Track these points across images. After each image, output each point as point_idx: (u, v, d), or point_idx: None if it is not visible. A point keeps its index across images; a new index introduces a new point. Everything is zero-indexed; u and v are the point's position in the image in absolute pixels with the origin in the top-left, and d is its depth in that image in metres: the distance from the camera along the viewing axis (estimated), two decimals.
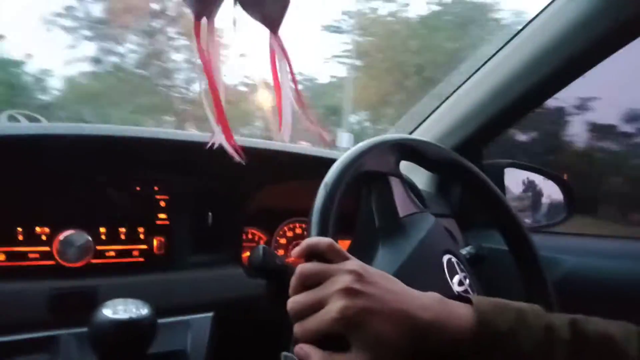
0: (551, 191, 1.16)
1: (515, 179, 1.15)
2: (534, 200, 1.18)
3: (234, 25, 0.39)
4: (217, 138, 0.42)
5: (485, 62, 1.05)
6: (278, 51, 0.40)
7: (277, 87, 0.41)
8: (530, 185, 1.18)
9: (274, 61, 0.41)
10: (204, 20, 0.38)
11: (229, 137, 0.42)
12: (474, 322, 0.42)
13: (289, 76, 0.41)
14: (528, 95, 0.97)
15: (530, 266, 0.69)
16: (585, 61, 0.89)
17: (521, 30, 0.96)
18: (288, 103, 0.41)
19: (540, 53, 0.91)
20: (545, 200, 1.17)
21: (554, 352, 0.42)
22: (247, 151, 0.89)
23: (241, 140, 0.93)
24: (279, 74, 0.41)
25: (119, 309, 0.59)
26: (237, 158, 0.43)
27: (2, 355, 0.65)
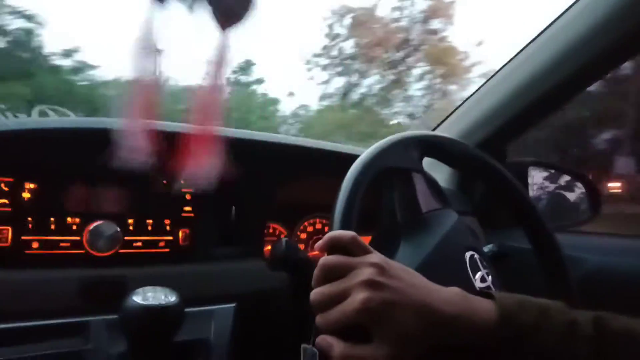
0: (575, 190, 1.14)
1: (538, 178, 1.14)
2: (558, 199, 1.16)
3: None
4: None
5: (510, 60, 1.04)
6: (220, 52, 0.40)
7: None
8: (554, 185, 1.16)
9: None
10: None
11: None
12: (496, 317, 0.42)
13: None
14: (553, 93, 0.96)
15: (553, 265, 0.69)
16: (612, 59, 0.88)
17: (547, 27, 0.95)
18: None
19: (566, 51, 0.90)
20: (569, 199, 1.15)
21: (578, 348, 0.42)
22: (270, 146, 0.92)
23: (264, 135, 0.95)
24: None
25: (149, 296, 0.61)
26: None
27: (36, 338, 0.67)
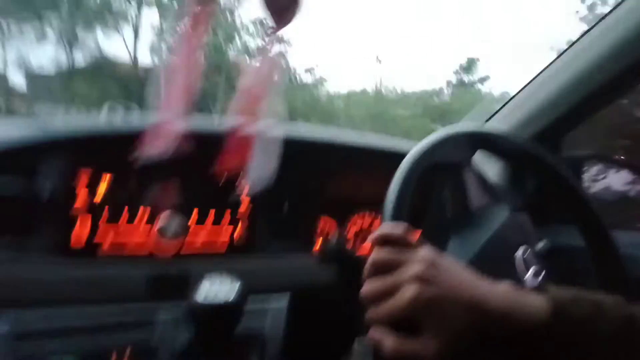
0: (635, 185, 1.09)
1: (596, 173, 1.09)
2: (616, 194, 1.11)
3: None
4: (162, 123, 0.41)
5: (566, 50, 1.00)
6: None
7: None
8: (612, 179, 1.12)
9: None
10: None
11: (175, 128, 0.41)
12: (549, 311, 0.42)
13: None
14: (610, 84, 0.92)
15: (609, 264, 0.67)
16: None
17: (603, 17, 0.91)
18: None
19: (624, 41, 0.86)
20: (628, 195, 1.10)
21: (635, 342, 0.41)
22: (322, 143, 0.93)
23: (316, 132, 0.96)
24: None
25: (213, 291, 0.64)
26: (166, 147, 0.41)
27: (106, 331, 0.72)
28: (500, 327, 0.42)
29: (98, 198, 0.77)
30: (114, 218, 0.78)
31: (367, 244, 0.49)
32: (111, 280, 0.75)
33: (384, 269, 0.45)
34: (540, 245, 0.77)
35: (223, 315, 0.64)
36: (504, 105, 1.16)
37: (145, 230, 0.80)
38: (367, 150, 0.99)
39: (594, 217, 0.68)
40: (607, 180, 1.11)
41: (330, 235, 0.70)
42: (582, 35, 0.96)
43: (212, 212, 0.85)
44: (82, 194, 0.76)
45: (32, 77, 12.83)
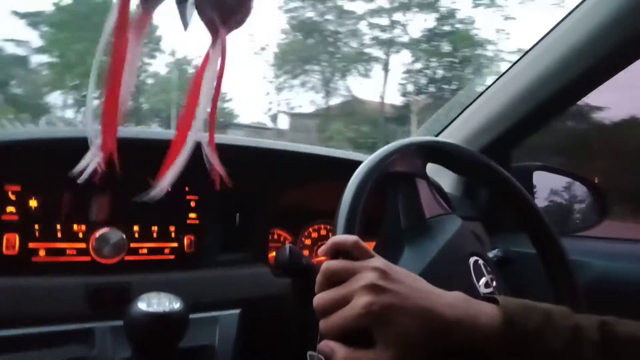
0: (581, 195, 1.13)
1: (544, 182, 1.13)
2: (564, 204, 1.16)
3: (185, 20, 0.37)
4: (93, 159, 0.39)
5: (514, 64, 1.04)
6: (216, 53, 0.37)
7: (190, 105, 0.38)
8: (559, 189, 1.16)
9: (203, 68, 0.38)
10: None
11: (110, 142, 0.38)
12: (500, 322, 0.42)
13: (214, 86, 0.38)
14: (557, 97, 0.96)
15: (559, 270, 0.68)
16: (614, 64, 0.88)
17: (550, 31, 0.95)
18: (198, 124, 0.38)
19: (569, 55, 0.90)
20: (575, 204, 1.15)
21: (583, 353, 0.41)
22: (274, 153, 0.92)
23: (266, 142, 0.95)
24: (203, 85, 0.38)
25: (154, 302, 0.61)
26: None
27: (41, 345, 0.68)
28: (452, 336, 0.41)
29: (28, 215, 0.73)
30: (46, 236, 0.74)
31: (320, 254, 0.48)
32: (46, 292, 0.71)
33: (335, 279, 0.43)
34: (493, 253, 0.78)
35: (165, 326, 0.61)
36: (454, 119, 1.19)
37: (82, 248, 0.76)
38: (321, 159, 0.98)
39: (544, 225, 0.69)
40: (554, 188, 1.15)
41: (283, 246, 0.68)
42: (530, 49, 1.00)
43: (156, 225, 0.82)
44: (10, 209, 0.72)
45: (294, 116, 15.96)
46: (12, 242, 0.71)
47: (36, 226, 0.73)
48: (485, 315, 0.42)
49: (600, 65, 0.89)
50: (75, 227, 0.76)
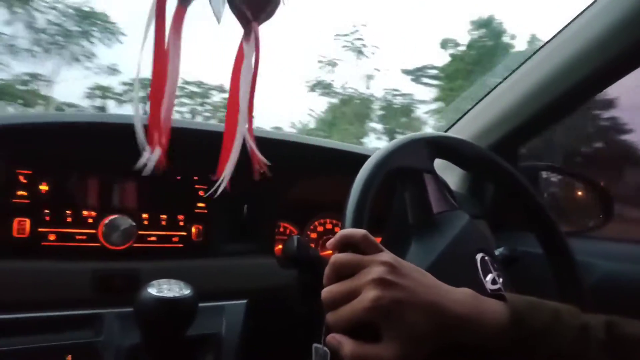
0: (587, 196, 1.13)
1: (551, 183, 1.13)
2: (569, 204, 1.15)
3: (218, 13, 0.36)
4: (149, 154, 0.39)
5: (524, 62, 1.04)
6: (250, 46, 0.38)
7: (233, 99, 0.39)
8: (566, 190, 1.16)
9: (239, 62, 0.38)
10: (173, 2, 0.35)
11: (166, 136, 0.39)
12: (508, 319, 0.42)
13: (249, 82, 0.39)
14: (567, 96, 0.95)
15: (565, 270, 0.68)
16: (627, 62, 0.87)
17: (561, 30, 0.95)
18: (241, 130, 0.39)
19: (581, 53, 0.89)
20: (580, 204, 1.14)
21: (589, 352, 0.42)
22: (283, 145, 0.92)
23: (275, 133, 0.95)
24: (241, 82, 0.38)
25: (164, 288, 0.62)
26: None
27: (49, 329, 0.69)
28: (459, 332, 0.42)
29: (38, 199, 0.73)
30: (56, 221, 0.75)
31: (329, 247, 0.48)
32: (55, 277, 0.72)
33: (343, 272, 0.44)
34: (499, 251, 0.78)
35: (175, 312, 0.62)
36: (462, 116, 1.19)
37: (91, 234, 0.77)
38: (331, 152, 0.99)
39: (551, 225, 0.69)
40: (560, 188, 1.15)
41: (291, 238, 0.69)
42: (540, 48, 0.99)
43: (165, 214, 0.82)
44: (21, 193, 0.72)
45: None
46: (23, 225, 0.72)
47: (46, 211, 0.74)
48: (493, 312, 0.43)
49: (611, 64, 0.88)
50: (85, 212, 0.76)
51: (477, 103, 1.15)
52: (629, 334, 0.43)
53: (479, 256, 0.61)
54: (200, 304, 0.68)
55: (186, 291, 0.63)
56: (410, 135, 0.64)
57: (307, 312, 0.76)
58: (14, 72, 5.98)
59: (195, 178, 0.85)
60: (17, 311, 0.68)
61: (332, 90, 6.80)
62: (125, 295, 0.67)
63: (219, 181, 0.41)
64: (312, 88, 6.81)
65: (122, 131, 0.79)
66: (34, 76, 6.13)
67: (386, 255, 0.44)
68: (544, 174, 1.11)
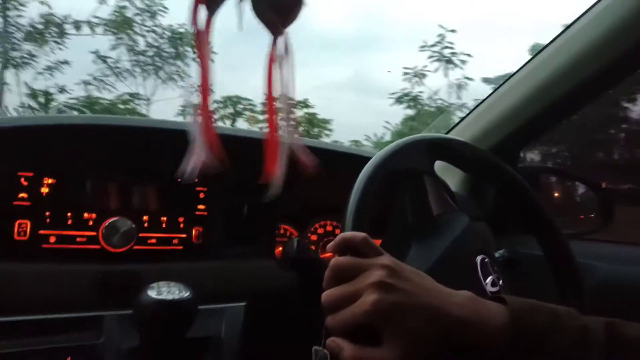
0: (588, 198, 1.13)
1: (551, 185, 1.13)
2: (570, 206, 1.15)
3: (240, 20, 0.37)
4: (197, 157, 0.40)
5: (525, 65, 1.03)
6: (280, 54, 0.38)
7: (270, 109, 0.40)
8: (566, 192, 1.16)
9: (271, 71, 0.39)
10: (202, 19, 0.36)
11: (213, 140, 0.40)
12: (507, 322, 0.42)
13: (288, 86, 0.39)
14: (568, 98, 0.95)
15: (565, 272, 0.68)
16: (627, 66, 0.87)
17: (562, 32, 0.94)
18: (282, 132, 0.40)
19: (581, 56, 0.89)
20: (581, 207, 1.14)
21: (590, 354, 0.41)
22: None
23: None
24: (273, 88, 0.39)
25: (163, 291, 0.62)
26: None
27: (50, 332, 0.69)
28: (459, 335, 0.42)
29: (39, 202, 0.74)
30: (57, 223, 0.75)
31: (329, 250, 0.48)
32: (55, 279, 0.72)
33: (343, 276, 0.44)
34: (499, 253, 0.78)
35: (175, 314, 0.62)
36: (463, 118, 1.19)
37: (91, 236, 0.77)
38: (331, 155, 0.98)
39: (551, 227, 0.69)
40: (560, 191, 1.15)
41: (291, 240, 0.69)
42: (540, 51, 0.99)
43: (165, 216, 0.82)
44: (22, 195, 0.72)
45: None
46: (24, 227, 0.72)
47: (47, 213, 0.74)
48: (492, 314, 0.43)
49: (611, 68, 0.88)
50: (85, 215, 0.77)
51: (478, 105, 1.15)
52: (628, 336, 0.43)
53: (479, 258, 0.61)
54: (200, 306, 0.68)
55: (186, 293, 0.63)
56: (410, 137, 0.64)
57: (306, 315, 0.76)
58: (117, 93, 6.34)
59: (196, 180, 0.85)
60: (17, 313, 0.68)
61: (418, 102, 6.73)
62: (125, 296, 0.67)
63: (272, 189, 0.42)
64: (398, 100, 6.72)
65: (122, 134, 0.79)
66: (134, 95, 6.53)
67: (386, 259, 0.44)
68: (544, 176, 1.11)
